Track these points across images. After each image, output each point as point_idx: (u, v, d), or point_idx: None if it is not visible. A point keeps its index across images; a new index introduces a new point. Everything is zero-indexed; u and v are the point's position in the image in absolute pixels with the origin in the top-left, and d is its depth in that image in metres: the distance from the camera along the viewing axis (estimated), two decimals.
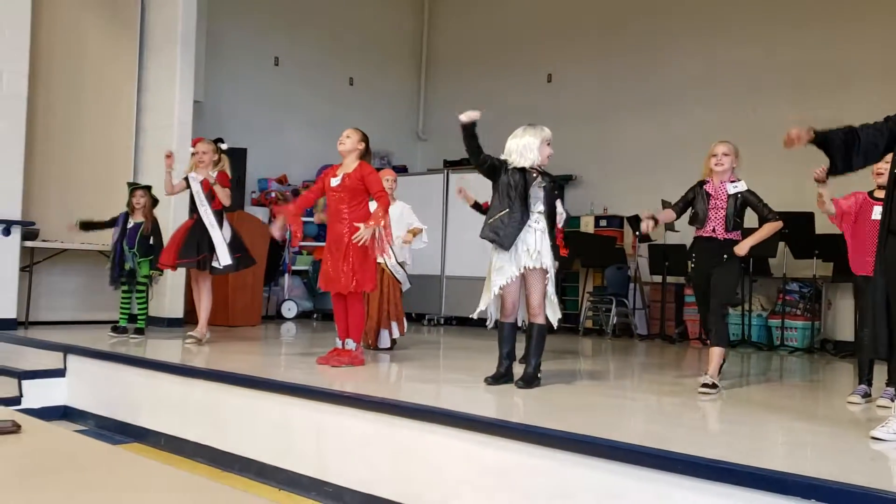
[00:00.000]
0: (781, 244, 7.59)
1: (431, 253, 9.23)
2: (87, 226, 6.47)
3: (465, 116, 4.40)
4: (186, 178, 6.09)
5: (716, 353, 4.49)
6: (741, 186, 4.60)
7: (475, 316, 4.54)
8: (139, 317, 6.41)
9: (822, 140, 3.46)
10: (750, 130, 8.39)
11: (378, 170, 5.76)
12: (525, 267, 4.33)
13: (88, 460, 2.53)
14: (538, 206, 4.37)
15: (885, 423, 3.26)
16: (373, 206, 5.38)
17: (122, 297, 6.43)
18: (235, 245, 6.09)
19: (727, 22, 8.82)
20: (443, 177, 9.53)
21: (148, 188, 6.51)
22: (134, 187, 6.42)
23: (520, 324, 4.58)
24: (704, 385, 4.38)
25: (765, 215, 4.64)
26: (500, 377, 4.46)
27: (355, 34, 10.76)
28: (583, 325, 8.83)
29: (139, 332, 6.36)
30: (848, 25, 7.96)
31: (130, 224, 6.29)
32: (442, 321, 9.32)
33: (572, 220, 9.58)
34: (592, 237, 9.16)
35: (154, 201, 6.44)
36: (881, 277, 3.30)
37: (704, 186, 4.65)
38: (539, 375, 4.45)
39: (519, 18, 10.73)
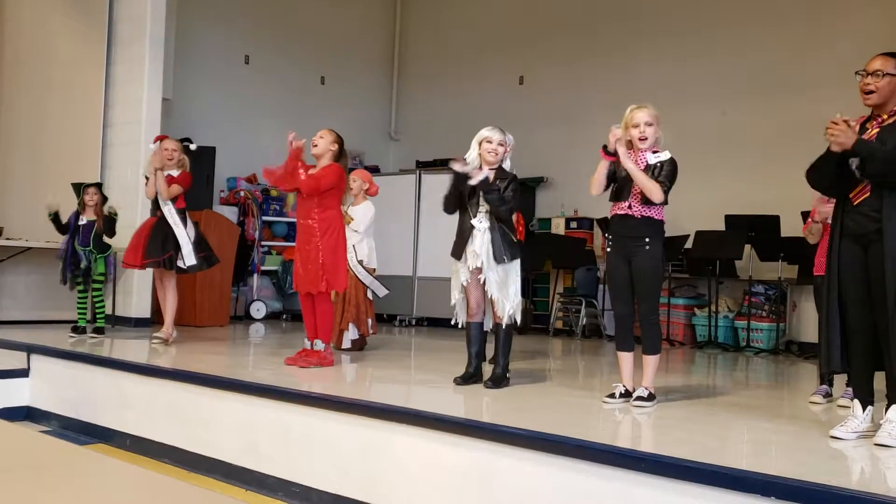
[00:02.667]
0: (747, 247, 7.70)
1: (403, 254, 9.23)
2: (55, 220, 6.35)
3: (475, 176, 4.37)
4: (147, 177, 6.03)
5: (651, 361, 4.04)
6: (664, 156, 3.99)
7: (454, 322, 4.58)
8: (98, 316, 6.34)
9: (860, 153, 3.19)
10: (719, 133, 8.52)
11: (350, 170, 5.74)
12: (471, 267, 4.38)
13: (51, 460, 2.50)
14: (484, 206, 4.40)
15: (844, 422, 3.33)
16: (346, 209, 5.37)
17: (79, 297, 6.36)
18: (200, 244, 6.05)
19: (697, 25, 8.90)
20: (415, 177, 9.52)
21: (99, 185, 6.45)
22: (85, 185, 6.35)
23: (486, 328, 4.60)
24: (639, 398, 3.97)
25: (657, 179, 3.93)
26: (470, 377, 4.48)
27: (327, 33, 10.71)
28: (553, 326, 8.88)
29: (98, 331, 6.29)
30: (818, 27, 8.08)
31: (83, 221, 6.23)
32: (414, 322, 9.31)
33: (543, 222, 9.65)
34: (563, 238, 9.21)
35: (103, 199, 6.39)
36: (835, 282, 3.35)
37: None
38: (508, 376, 4.48)
39: (491, 20, 10.76)
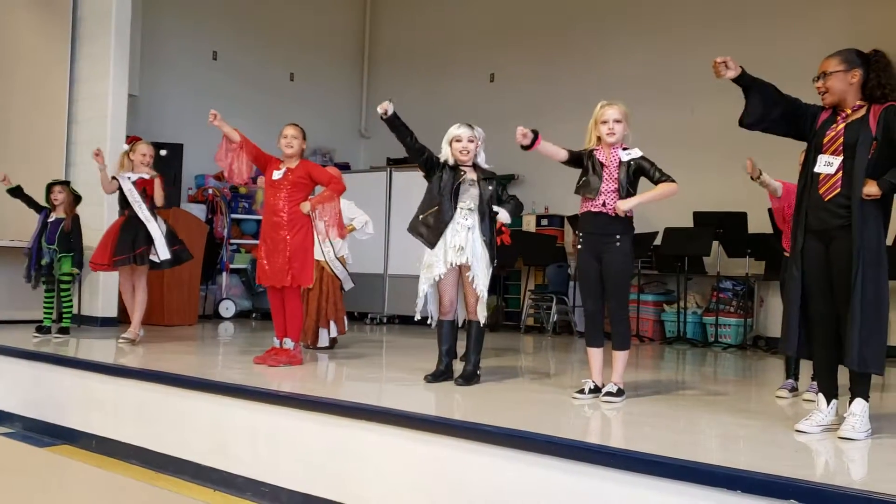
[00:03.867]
0: (715, 243, 7.79)
1: (374, 251, 9.20)
2: (17, 193, 6.23)
3: (380, 108, 4.36)
4: (115, 177, 5.94)
5: (621, 357, 4.08)
6: (635, 153, 4.07)
7: (417, 317, 4.54)
8: (64, 315, 6.25)
9: (747, 82, 3.47)
10: (688, 130, 8.60)
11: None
12: (452, 264, 4.35)
13: (13, 464, 2.45)
14: (468, 203, 4.39)
15: (809, 416, 3.38)
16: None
17: (46, 296, 6.27)
18: (171, 238, 5.98)
19: (666, 23, 8.98)
20: (386, 175, 9.49)
21: (66, 183, 6.35)
22: (52, 183, 6.25)
23: (459, 323, 4.60)
24: (609, 393, 4.00)
25: (657, 178, 4.05)
26: (440, 375, 4.47)
27: (296, 29, 10.63)
28: (524, 323, 8.91)
29: (64, 331, 6.20)
30: (785, 24, 8.19)
31: (51, 219, 6.13)
32: (385, 320, 9.29)
33: (514, 220, 9.64)
34: (534, 236, 9.25)
35: (76, 198, 6.28)
36: (797, 275, 3.40)
37: (595, 154, 4.12)
38: (479, 373, 4.48)
39: (462, 17, 10.76)
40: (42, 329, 6.16)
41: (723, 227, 7.73)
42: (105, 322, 7.21)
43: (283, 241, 4.90)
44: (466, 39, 10.60)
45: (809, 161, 3.42)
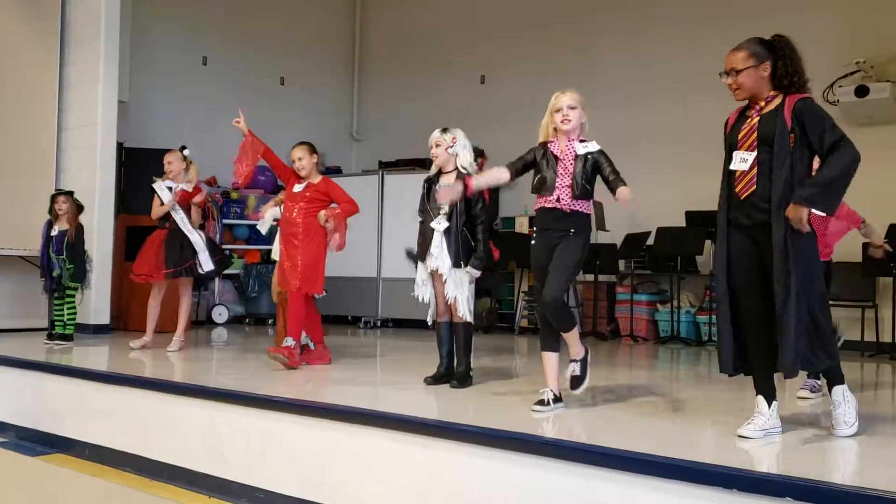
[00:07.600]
0: (708, 242, 7.80)
1: (367, 255, 9.19)
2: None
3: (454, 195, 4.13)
4: (153, 189, 6.02)
5: (569, 336, 3.91)
6: (592, 146, 3.86)
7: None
8: (68, 323, 6.29)
9: None
10: (681, 129, 8.61)
11: None
12: (429, 269, 4.40)
13: (6, 474, 2.44)
14: (444, 208, 4.38)
15: (751, 420, 3.24)
16: None
17: (56, 304, 6.33)
18: (213, 248, 6.12)
19: (659, 21, 9.00)
20: (378, 178, 9.48)
21: (70, 193, 6.36)
22: (55, 193, 6.28)
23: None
24: (574, 377, 3.93)
25: (611, 177, 3.79)
26: (441, 377, 4.48)
27: (286, 33, 10.61)
28: (518, 324, 8.91)
29: (66, 338, 6.21)
30: (774, 19, 8.20)
31: (55, 232, 6.16)
32: (378, 323, 9.27)
33: (507, 221, 9.67)
34: (526, 238, 9.22)
35: (79, 208, 6.30)
36: (723, 276, 3.26)
37: (549, 147, 3.90)
38: (470, 374, 4.49)
39: (452, 19, 10.76)
40: (52, 336, 6.26)
41: (715, 225, 7.73)
42: (98, 329, 7.18)
43: (295, 250, 5.16)
44: (457, 41, 10.60)
45: (726, 160, 3.30)
